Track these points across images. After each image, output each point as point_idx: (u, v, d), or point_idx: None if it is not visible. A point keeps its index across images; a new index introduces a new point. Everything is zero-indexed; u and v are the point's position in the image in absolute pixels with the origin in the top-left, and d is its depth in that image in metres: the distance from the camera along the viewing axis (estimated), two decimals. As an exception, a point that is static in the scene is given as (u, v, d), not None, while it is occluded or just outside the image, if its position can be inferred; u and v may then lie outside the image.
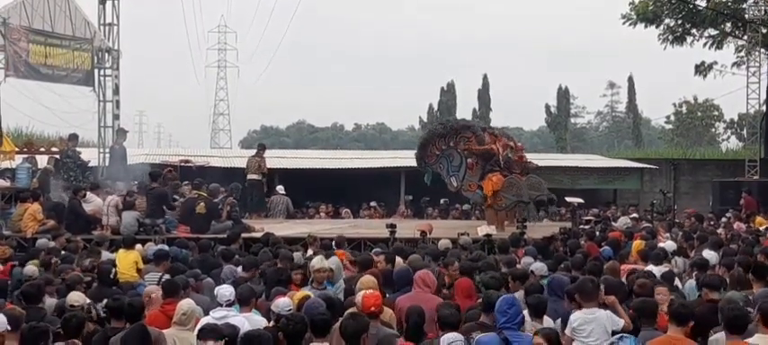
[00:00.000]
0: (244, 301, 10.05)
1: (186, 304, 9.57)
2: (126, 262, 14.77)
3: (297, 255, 14.05)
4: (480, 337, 8.55)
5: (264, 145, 28.79)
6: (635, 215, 26.51)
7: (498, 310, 8.71)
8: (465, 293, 10.74)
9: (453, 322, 8.76)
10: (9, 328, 8.60)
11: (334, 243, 16.25)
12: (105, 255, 15.26)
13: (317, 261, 11.56)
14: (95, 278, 12.78)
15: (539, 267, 12.64)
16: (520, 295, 10.42)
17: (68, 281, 11.97)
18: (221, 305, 9.79)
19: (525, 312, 9.45)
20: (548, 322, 9.47)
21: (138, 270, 14.57)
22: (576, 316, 9.29)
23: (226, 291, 10.07)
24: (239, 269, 13.26)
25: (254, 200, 26.01)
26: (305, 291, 10.49)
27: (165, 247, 15.67)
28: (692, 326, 9.04)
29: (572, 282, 10.95)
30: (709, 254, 14.48)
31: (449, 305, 9.19)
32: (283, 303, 9.38)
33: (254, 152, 27.62)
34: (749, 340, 8.32)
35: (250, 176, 26.07)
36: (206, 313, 9.92)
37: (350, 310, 9.16)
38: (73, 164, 22.69)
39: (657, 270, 12.69)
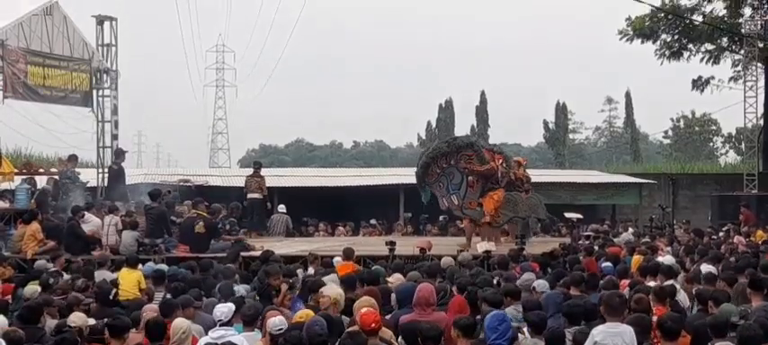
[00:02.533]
0: (248, 321, 10.05)
1: (182, 322, 9.56)
2: (129, 281, 14.83)
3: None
4: None
5: (260, 163, 28.83)
6: (631, 230, 26.54)
7: (488, 326, 8.72)
8: (457, 309, 10.70)
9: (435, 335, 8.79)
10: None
11: (343, 254, 16.13)
12: (107, 275, 15.27)
13: (326, 288, 11.31)
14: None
15: (541, 284, 12.68)
16: (511, 310, 10.48)
17: (68, 302, 11.98)
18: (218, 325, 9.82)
19: (526, 329, 9.50)
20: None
21: (141, 290, 14.62)
22: (600, 330, 9.19)
23: (221, 310, 10.07)
24: (241, 288, 13.29)
25: (255, 219, 26.05)
26: (307, 310, 10.44)
27: (164, 267, 15.71)
28: (690, 340, 9.06)
29: (564, 299, 10.99)
30: (708, 268, 14.49)
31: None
32: (275, 322, 9.34)
33: (251, 171, 27.64)
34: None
35: (250, 195, 26.10)
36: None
37: (349, 329, 9.17)
38: (72, 185, 22.71)
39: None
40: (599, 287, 12.56)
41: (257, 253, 18.34)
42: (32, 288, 13.05)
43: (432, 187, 21.83)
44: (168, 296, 12.80)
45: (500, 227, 21.26)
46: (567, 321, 10.03)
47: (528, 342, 9.21)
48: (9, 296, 13.71)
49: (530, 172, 24.04)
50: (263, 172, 27.82)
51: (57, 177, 23.18)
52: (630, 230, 26.67)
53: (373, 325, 8.87)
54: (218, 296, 12.63)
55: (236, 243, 19.56)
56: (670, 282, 13.05)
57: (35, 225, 19.22)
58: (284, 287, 12.50)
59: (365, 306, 9.59)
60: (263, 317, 10.13)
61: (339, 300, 10.71)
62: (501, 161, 21.93)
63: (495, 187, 21.16)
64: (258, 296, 12.09)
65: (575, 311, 10.19)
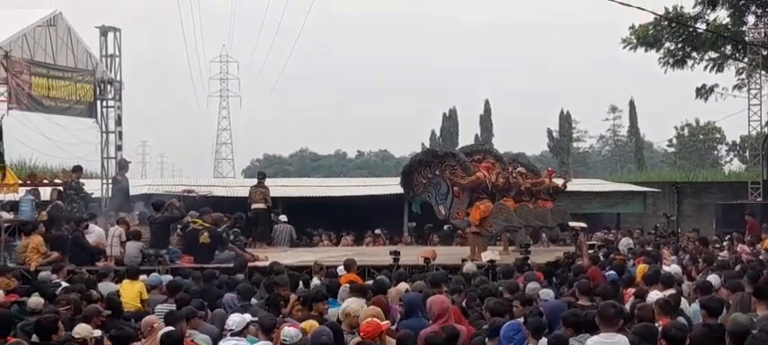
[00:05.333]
0: (266, 329, 10.02)
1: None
2: (131, 293, 14.84)
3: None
4: None
5: (264, 174, 28.93)
6: (630, 241, 26.48)
7: (504, 336, 8.75)
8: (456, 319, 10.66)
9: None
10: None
11: (343, 265, 16.14)
12: (110, 286, 15.26)
13: (354, 306, 10.46)
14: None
15: (546, 293, 12.69)
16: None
17: (87, 314, 11.88)
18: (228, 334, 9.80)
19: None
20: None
21: (142, 301, 14.61)
22: (594, 341, 9.20)
23: (233, 320, 10.05)
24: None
25: (260, 229, 26.04)
26: (312, 321, 10.40)
27: (179, 279, 15.66)
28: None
29: (568, 307, 10.97)
30: (714, 278, 14.43)
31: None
32: (291, 333, 9.35)
33: (255, 182, 27.68)
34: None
35: (255, 206, 26.10)
36: (214, 343, 9.91)
37: (355, 340, 9.18)
38: (76, 196, 22.72)
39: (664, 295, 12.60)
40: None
41: (263, 264, 18.39)
42: (36, 300, 13.00)
43: (420, 197, 21.96)
44: (173, 307, 12.81)
45: (491, 237, 21.20)
46: (572, 330, 10.00)
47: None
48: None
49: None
50: (268, 182, 27.86)
51: (61, 188, 23.18)
52: (628, 239, 26.66)
53: (371, 331, 8.90)
54: (226, 307, 12.69)
55: (238, 258, 19.41)
56: (673, 291, 13.03)
57: (38, 239, 19.20)
58: (293, 297, 12.51)
59: (370, 315, 9.61)
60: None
61: (359, 312, 10.28)
62: (486, 167, 21.83)
63: (482, 197, 21.06)
64: (267, 307, 12.08)
65: (573, 320, 10.16)
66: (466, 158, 21.68)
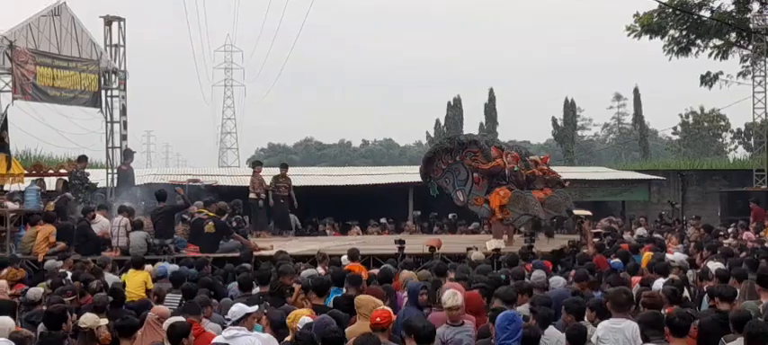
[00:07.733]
0: (274, 325, 10.05)
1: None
2: (135, 282, 14.84)
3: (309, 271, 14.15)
4: None
5: (260, 162, 29.06)
6: (644, 231, 26.48)
7: (498, 326, 8.76)
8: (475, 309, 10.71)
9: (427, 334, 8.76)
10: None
11: (347, 255, 16.13)
12: (109, 277, 15.25)
13: (450, 298, 10.07)
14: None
15: (555, 280, 12.71)
16: (525, 308, 10.47)
17: (99, 304, 11.86)
18: (228, 324, 9.83)
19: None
20: (553, 332, 9.52)
21: (148, 291, 14.62)
22: (603, 325, 9.29)
23: (233, 310, 10.07)
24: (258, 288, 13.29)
25: (258, 218, 26.17)
26: (302, 310, 10.40)
27: (185, 269, 15.65)
28: (696, 335, 9.01)
29: (572, 295, 10.99)
30: (716, 265, 14.43)
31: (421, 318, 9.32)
32: (306, 321, 9.39)
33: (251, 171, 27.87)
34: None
35: (252, 195, 26.23)
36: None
37: (353, 327, 9.21)
38: (81, 186, 22.74)
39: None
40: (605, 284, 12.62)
41: (268, 253, 18.43)
42: (36, 291, 13.01)
43: (439, 182, 21.99)
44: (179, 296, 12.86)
45: (511, 224, 21.20)
46: (572, 317, 10.00)
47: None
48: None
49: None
50: (267, 171, 28.00)
51: (66, 178, 23.20)
52: (641, 228, 26.63)
53: (378, 319, 8.95)
54: (233, 296, 12.72)
55: (243, 247, 19.45)
56: (675, 278, 13.05)
57: (49, 228, 19.21)
58: (297, 286, 12.52)
59: (366, 306, 9.66)
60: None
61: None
62: (508, 157, 21.85)
63: (501, 183, 21.10)
64: (271, 295, 12.10)
65: (575, 307, 10.18)
66: (486, 145, 21.73)
